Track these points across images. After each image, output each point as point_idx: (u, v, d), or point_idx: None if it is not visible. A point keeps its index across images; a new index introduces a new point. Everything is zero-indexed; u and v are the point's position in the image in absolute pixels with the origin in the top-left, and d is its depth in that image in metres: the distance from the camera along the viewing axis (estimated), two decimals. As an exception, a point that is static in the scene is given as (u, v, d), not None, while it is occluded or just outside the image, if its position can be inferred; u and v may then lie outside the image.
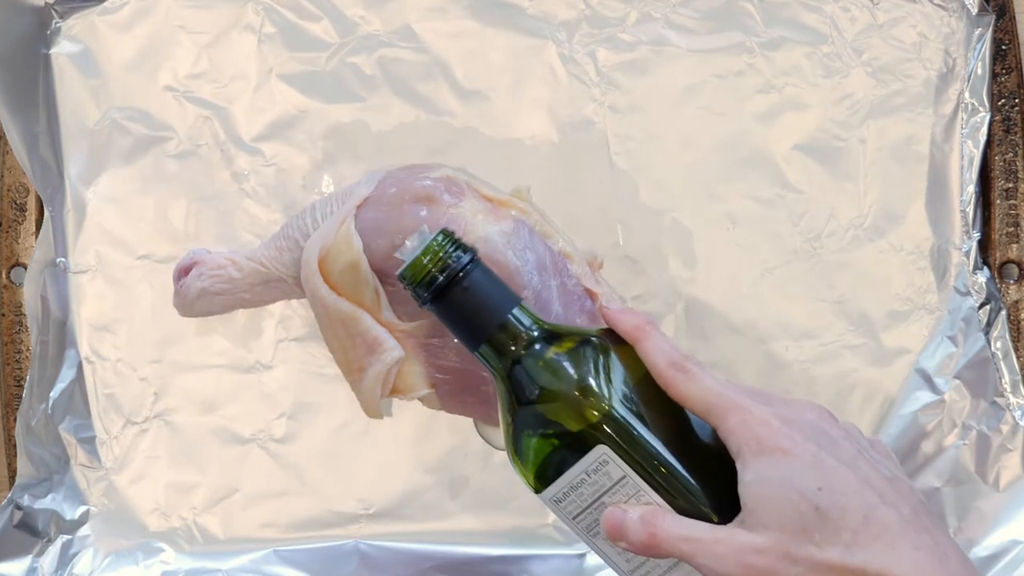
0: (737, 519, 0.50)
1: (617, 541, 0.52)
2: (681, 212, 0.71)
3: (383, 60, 0.72)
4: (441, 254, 0.54)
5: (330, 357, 0.68)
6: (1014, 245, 0.72)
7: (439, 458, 0.71)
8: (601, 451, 0.52)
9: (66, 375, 0.72)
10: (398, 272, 0.55)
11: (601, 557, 0.54)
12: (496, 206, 0.67)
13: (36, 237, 0.73)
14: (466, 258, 0.54)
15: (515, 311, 0.54)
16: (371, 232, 0.65)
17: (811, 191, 0.71)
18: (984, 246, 0.72)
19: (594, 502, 0.52)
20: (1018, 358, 0.71)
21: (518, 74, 0.72)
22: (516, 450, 0.54)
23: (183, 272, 0.70)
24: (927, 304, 0.71)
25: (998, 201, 0.72)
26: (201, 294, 0.69)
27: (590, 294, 0.67)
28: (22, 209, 0.74)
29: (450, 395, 0.67)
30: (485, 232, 0.64)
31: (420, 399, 0.70)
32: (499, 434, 0.70)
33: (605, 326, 0.55)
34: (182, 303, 0.70)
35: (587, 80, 0.72)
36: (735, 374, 0.71)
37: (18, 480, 0.72)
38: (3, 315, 0.73)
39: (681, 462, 0.52)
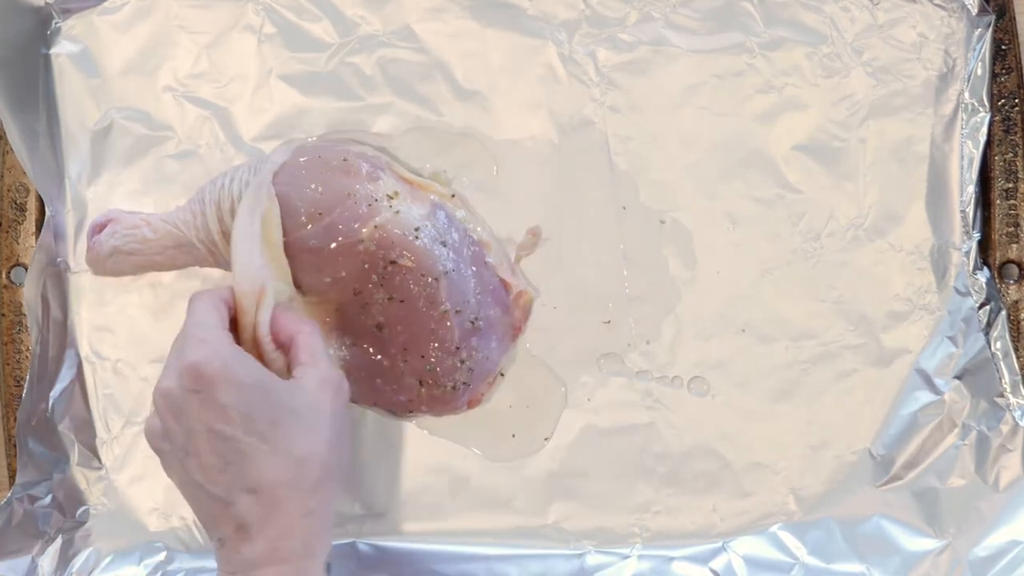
0: None
1: None
2: (681, 212, 0.71)
3: (383, 60, 0.72)
4: None
5: (330, 357, 0.68)
6: (1014, 245, 0.72)
7: (439, 458, 0.71)
8: None
9: (66, 375, 0.72)
10: None
11: None
12: (415, 188, 0.67)
13: (36, 237, 0.73)
14: None
15: None
16: (287, 199, 0.65)
17: (811, 191, 0.71)
18: (984, 246, 0.72)
19: None
20: (1018, 358, 0.71)
21: (518, 74, 0.72)
22: None
23: (97, 229, 0.70)
24: (927, 304, 0.71)
25: (998, 201, 0.72)
26: (113, 252, 0.69)
27: (504, 284, 0.68)
28: (22, 209, 0.74)
29: (360, 381, 0.67)
30: (403, 214, 0.64)
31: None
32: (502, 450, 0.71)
33: None
34: (94, 260, 0.70)
35: (587, 80, 0.72)
36: (735, 374, 0.71)
37: (18, 480, 0.72)
38: (3, 315, 0.73)
39: None
